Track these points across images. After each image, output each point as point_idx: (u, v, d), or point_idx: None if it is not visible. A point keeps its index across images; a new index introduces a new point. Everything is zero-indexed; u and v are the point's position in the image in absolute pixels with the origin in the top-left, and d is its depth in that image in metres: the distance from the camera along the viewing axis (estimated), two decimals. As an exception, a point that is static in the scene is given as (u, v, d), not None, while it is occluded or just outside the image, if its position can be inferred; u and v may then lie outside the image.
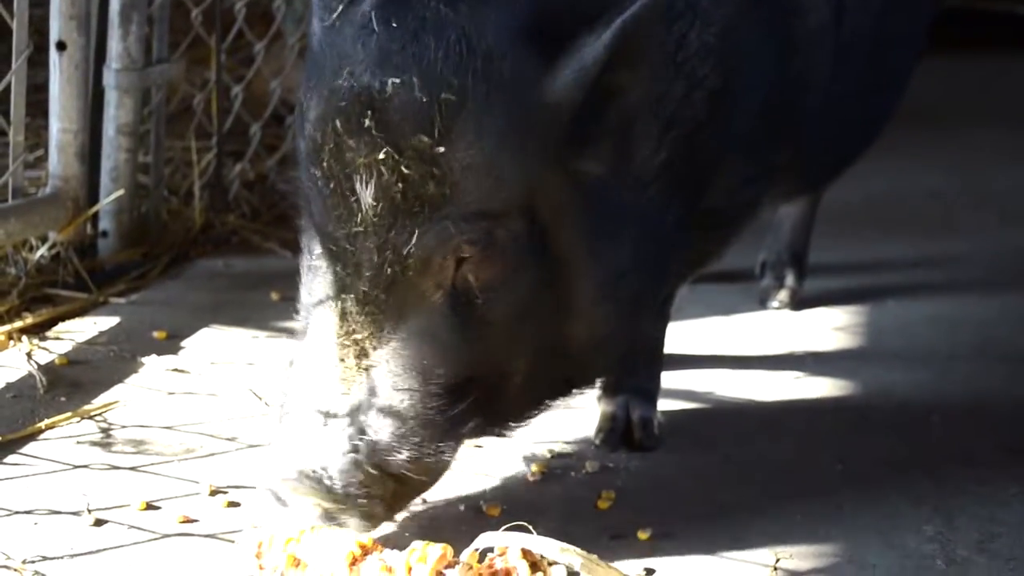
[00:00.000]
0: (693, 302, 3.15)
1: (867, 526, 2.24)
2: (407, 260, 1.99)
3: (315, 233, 2.09)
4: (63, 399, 2.61)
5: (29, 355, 2.78)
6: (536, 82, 2.00)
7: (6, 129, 3.03)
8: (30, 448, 2.41)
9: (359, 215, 1.99)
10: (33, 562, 2.04)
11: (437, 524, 2.18)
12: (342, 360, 2.04)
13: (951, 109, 5.29)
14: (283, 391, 2.11)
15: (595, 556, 1.96)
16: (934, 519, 2.27)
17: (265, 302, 3.19)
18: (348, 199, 2.00)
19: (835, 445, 2.55)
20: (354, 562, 1.93)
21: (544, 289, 2.07)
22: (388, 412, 2.02)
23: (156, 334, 2.95)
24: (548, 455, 2.45)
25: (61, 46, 3.14)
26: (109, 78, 3.29)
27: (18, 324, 2.91)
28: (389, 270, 2.00)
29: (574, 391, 2.25)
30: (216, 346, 2.91)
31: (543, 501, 2.30)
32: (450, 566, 1.91)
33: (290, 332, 2.58)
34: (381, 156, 1.96)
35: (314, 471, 2.01)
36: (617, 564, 2.01)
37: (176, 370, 2.78)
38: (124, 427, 2.52)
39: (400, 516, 2.14)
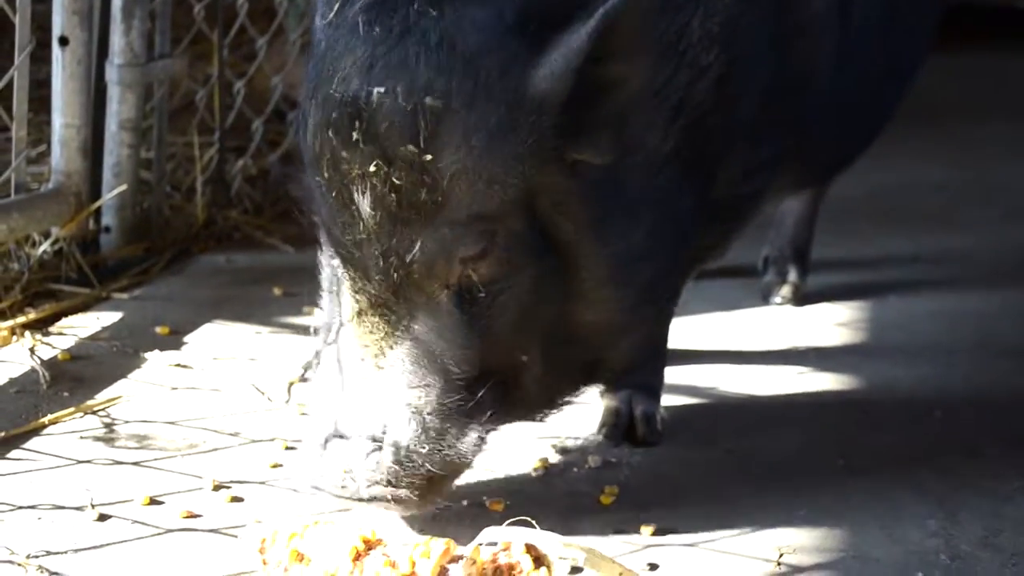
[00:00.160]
0: (696, 297, 3.14)
1: (870, 521, 2.24)
2: (411, 265, 2.00)
3: (326, 236, 2.10)
4: (66, 394, 2.61)
5: (32, 350, 2.78)
6: (522, 78, 1.98)
7: (9, 124, 3.03)
8: (33, 443, 2.41)
9: (360, 223, 2.00)
10: (37, 557, 2.05)
11: (440, 519, 2.18)
12: (362, 360, 2.05)
13: (954, 104, 5.28)
14: (289, 392, 2.13)
15: (599, 551, 1.95)
16: (937, 514, 2.27)
17: (267, 297, 3.19)
18: (349, 207, 2.00)
19: (838, 440, 2.55)
20: (357, 557, 1.93)
21: (552, 280, 2.08)
22: (406, 410, 2.04)
23: (159, 329, 2.95)
24: (551, 450, 2.45)
25: (64, 41, 3.14)
26: (111, 73, 3.29)
27: (21, 319, 2.92)
28: (395, 275, 2.01)
29: (600, 377, 2.26)
30: (219, 341, 2.91)
31: (546, 496, 2.30)
32: (453, 561, 1.91)
33: (293, 327, 2.60)
34: (372, 168, 1.96)
35: (341, 475, 2.03)
36: (620, 559, 2.01)
37: (179, 365, 2.78)
38: (127, 422, 2.52)
39: (429, 508, 2.14)
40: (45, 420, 2.49)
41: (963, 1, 5.74)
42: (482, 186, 1.98)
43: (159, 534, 2.14)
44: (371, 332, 2.05)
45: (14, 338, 2.85)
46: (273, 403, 2.60)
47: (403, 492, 2.04)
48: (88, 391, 2.63)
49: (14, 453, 2.38)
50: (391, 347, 2.04)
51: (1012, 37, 6.14)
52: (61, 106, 3.18)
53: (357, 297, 2.05)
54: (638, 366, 2.56)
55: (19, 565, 2.02)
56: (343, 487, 2.04)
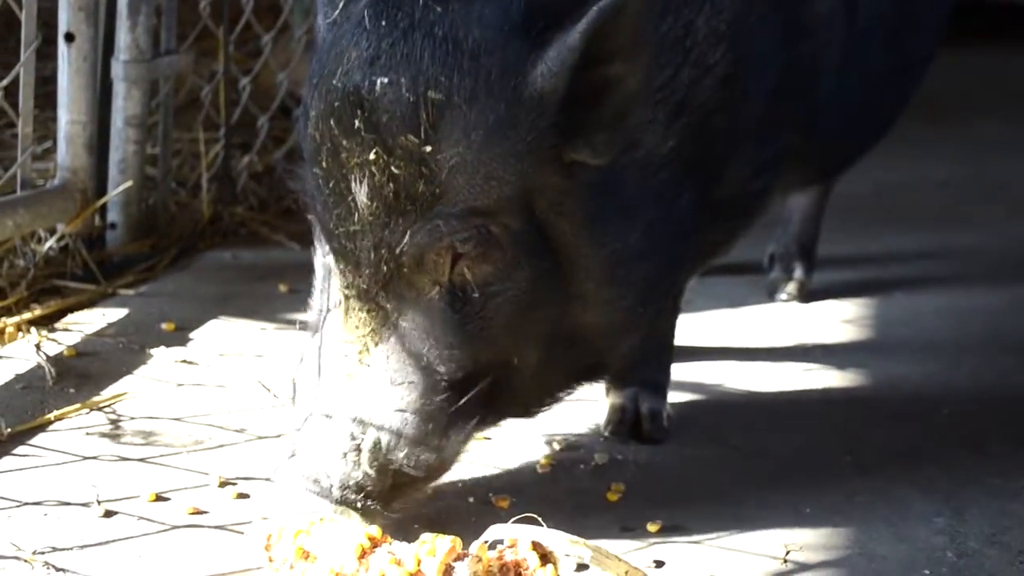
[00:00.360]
0: (702, 294, 3.15)
1: (877, 518, 2.24)
2: (401, 258, 2.00)
3: (321, 230, 2.10)
4: (72, 390, 2.61)
5: (38, 347, 2.78)
6: (522, 75, 1.99)
7: (15, 120, 3.03)
8: (39, 439, 2.41)
9: (356, 214, 2.00)
10: (43, 553, 2.04)
11: (446, 516, 2.18)
12: (346, 356, 2.05)
13: (960, 100, 5.28)
14: (294, 388, 2.13)
15: (605, 548, 1.95)
16: (944, 511, 2.27)
17: (273, 294, 3.19)
18: (345, 198, 2.01)
19: (845, 437, 2.55)
20: (363, 555, 1.92)
21: (548, 281, 2.07)
22: (389, 409, 2.03)
23: (164, 326, 2.95)
24: (557, 447, 2.45)
25: (69, 37, 3.14)
26: (117, 69, 3.29)
27: (27, 316, 2.91)
28: (385, 267, 2.01)
29: (596, 378, 2.26)
30: (224, 338, 2.91)
31: (552, 493, 2.29)
32: (459, 559, 1.90)
33: (298, 324, 2.59)
34: (372, 156, 1.97)
35: (316, 474, 2.02)
36: (627, 556, 2.01)
37: (185, 362, 2.78)
38: (133, 418, 2.52)
39: (405, 509, 2.13)
40: (51, 416, 2.49)
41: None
42: (479, 180, 1.99)
43: (165, 530, 2.14)
44: (357, 327, 2.04)
45: (20, 334, 2.85)
46: (279, 399, 2.60)
47: (378, 492, 2.03)
48: (94, 387, 2.63)
49: (20, 449, 2.37)
50: (376, 343, 2.04)
51: (1015, 34, 6.13)
52: (67, 102, 3.18)
53: (346, 292, 2.05)
54: (644, 363, 2.57)
55: (25, 561, 2.02)
56: (317, 486, 2.02)
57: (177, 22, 3.47)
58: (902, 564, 2.11)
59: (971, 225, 3.95)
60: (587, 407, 2.57)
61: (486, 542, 1.94)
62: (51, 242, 3.19)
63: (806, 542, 2.16)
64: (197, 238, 3.51)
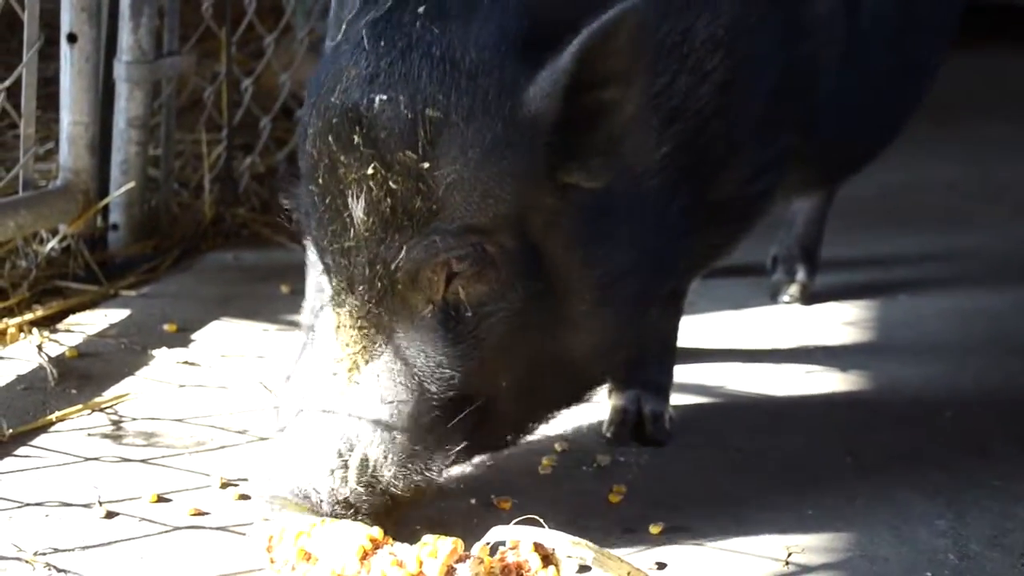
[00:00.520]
0: (704, 296, 3.15)
1: (879, 520, 2.24)
2: (396, 274, 2.00)
3: (315, 248, 2.10)
4: (74, 391, 2.61)
5: (40, 347, 2.78)
6: (517, 96, 2.00)
7: (17, 121, 3.03)
8: (41, 440, 2.41)
9: (351, 230, 2.01)
10: (45, 554, 2.04)
11: (448, 518, 2.18)
12: (335, 374, 2.04)
13: (964, 102, 5.28)
14: (279, 404, 2.11)
15: (607, 550, 1.95)
16: (946, 513, 2.27)
17: (275, 295, 3.19)
18: (341, 214, 2.02)
19: (847, 439, 2.55)
20: (365, 556, 1.92)
21: (538, 302, 2.07)
22: (378, 428, 2.01)
23: (166, 327, 2.95)
24: (559, 449, 2.45)
25: (72, 38, 3.14)
26: (120, 71, 3.29)
27: (28, 316, 2.91)
28: (379, 284, 2.01)
29: (581, 399, 2.25)
30: (226, 339, 2.91)
31: (554, 495, 2.29)
32: (461, 560, 1.90)
33: (300, 325, 2.58)
34: (370, 171, 1.98)
35: (303, 489, 2.00)
36: (629, 558, 2.01)
37: (186, 363, 2.78)
38: (135, 420, 2.52)
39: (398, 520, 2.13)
40: (53, 417, 2.49)
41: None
42: (476, 198, 1.99)
43: (167, 532, 2.14)
44: (348, 345, 2.04)
45: (22, 335, 2.85)
46: (275, 409, 2.59)
47: (367, 509, 2.01)
48: (96, 388, 2.63)
49: (22, 450, 2.37)
50: (367, 361, 2.03)
51: (1019, 35, 6.12)
52: (69, 103, 3.18)
53: (338, 310, 2.05)
54: (646, 364, 2.57)
55: (27, 562, 2.02)
56: (307, 501, 2.00)
57: (179, 23, 3.47)
58: (904, 566, 2.11)
59: (975, 227, 3.95)
60: (589, 409, 2.56)
61: (488, 543, 1.94)
62: (53, 243, 3.19)
63: (808, 544, 2.16)
64: (199, 239, 3.51)
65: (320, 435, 2.02)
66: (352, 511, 2.01)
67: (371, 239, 2.00)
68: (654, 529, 2.18)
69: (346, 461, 2.00)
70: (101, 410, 2.54)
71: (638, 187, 2.15)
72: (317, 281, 2.17)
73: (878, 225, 3.90)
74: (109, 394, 2.61)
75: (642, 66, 2.04)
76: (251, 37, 4.12)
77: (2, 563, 2.02)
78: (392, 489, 2.02)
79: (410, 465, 2.03)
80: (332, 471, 2.00)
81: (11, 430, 2.42)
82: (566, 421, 2.50)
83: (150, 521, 2.16)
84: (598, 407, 2.55)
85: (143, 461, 2.36)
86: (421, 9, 2.02)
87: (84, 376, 2.68)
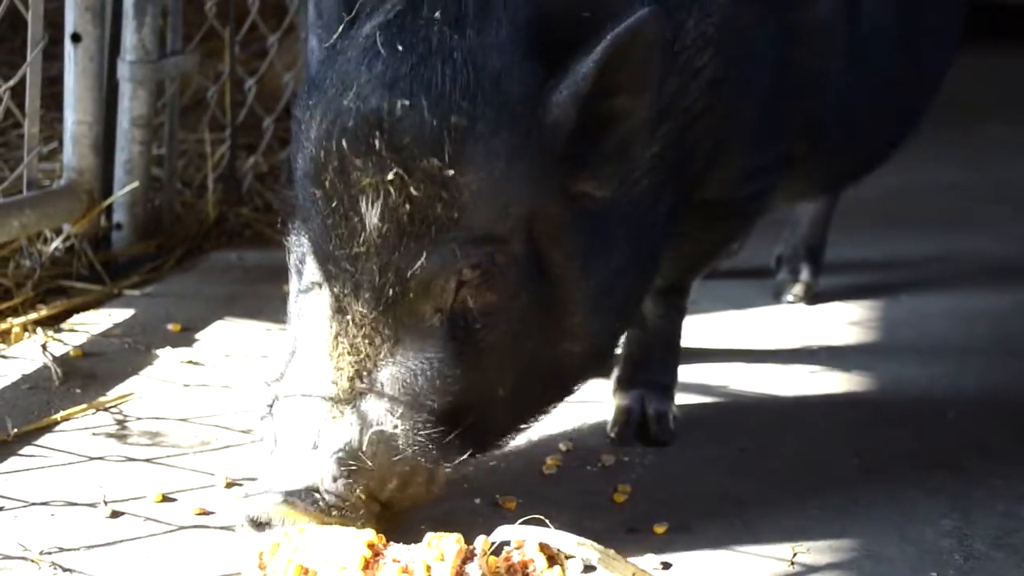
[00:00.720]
0: (708, 296, 3.14)
1: (884, 520, 2.24)
2: (409, 282, 1.99)
3: (312, 253, 2.06)
4: (78, 391, 2.61)
5: (44, 347, 2.79)
6: (537, 104, 2.00)
7: (21, 121, 3.03)
8: (46, 440, 2.41)
9: (362, 235, 1.99)
10: (50, 553, 2.04)
11: (452, 518, 2.17)
12: (335, 383, 2.01)
13: (966, 102, 5.27)
14: (271, 412, 2.08)
15: (612, 550, 1.95)
16: (951, 513, 2.27)
17: (278, 294, 3.17)
18: (351, 219, 1.99)
19: (851, 439, 2.55)
20: (367, 566, 1.88)
21: (538, 310, 2.07)
22: (381, 436, 1.99)
23: (170, 326, 2.95)
24: (563, 449, 2.45)
25: (76, 38, 3.14)
26: (123, 70, 3.29)
27: (33, 316, 2.92)
28: (390, 291, 1.99)
29: (568, 396, 2.24)
30: (230, 338, 2.91)
31: (559, 495, 2.29)
32: (468, 559, 1.89)
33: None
34: (390, 177, 1.96)
35: (307, 495, 1.97)
36: (633, 558, 2.01)
37: (190, 362, 2.78)
38: (139, 419, 2.52)
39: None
40: (57, 417, 2.49)
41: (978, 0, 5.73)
42: (496, 207, 1.99)
43: (171, 531, 2.14)
44: (350, 353, 2.01)
45: (26, 335, 2.85)
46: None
47: (365, 516, 1.99)
48: (100, 388, 2.63)
49: (26, 450, 2.38)
50: (370, 370, 2.00)
51: (1019, 35, 6.12)
52: (73, 103, 3.18)
53: (339, 316, 2.02)
54: (650, 364, 2.57)
55: (32, 561, 2.02)
56: (313, 506, 1.97)
57: (183, 23, 3.48)
58: (909, 566, 2.11)
59: (977, 228, 3.95)
60: (593, 408, 2.56)
61: (493, 543, 1.94)
62: (57, 242, 3.20)
63: (813, 544, 2.16)
64: (203, 239, 3.51)
65: (322, 444, 1.99)
66: (355, 515, 1.98)
67: (384, 245, 1.98)
68: (659, 529, 2.18)
69: (350, 469, 1.98)
70: (106, 409, 2.55)
71: (630, 190, 2.15)
72: (306, 284, 2.12)
73: (880, 226, 3.90)
74: (113, 393, 2.61)
75: (655, 74, 2.05)
76: (254, 37, 4.12)
77: (8, 562, 2.02)
78: (395, 495, 2.01)
79: (412, 472, 2.02)
80: (336, 479, 1.97)
81: (16, 429, 2.42)
82: (570, 421, 2.51)
83: (155, 520, 2.16)
84: (602, 407, 2.56)
85: (148, 461, 2.36)
86: (437, 14, 2.01)
87: (88, 376, 2.68)
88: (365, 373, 2.01)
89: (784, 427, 2.60)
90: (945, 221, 4.01)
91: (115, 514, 2.17)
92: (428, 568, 1.86)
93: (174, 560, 2.05)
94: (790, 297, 3.32)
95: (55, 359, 2.72)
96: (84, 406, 2.54)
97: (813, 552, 2.14)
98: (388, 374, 2.01)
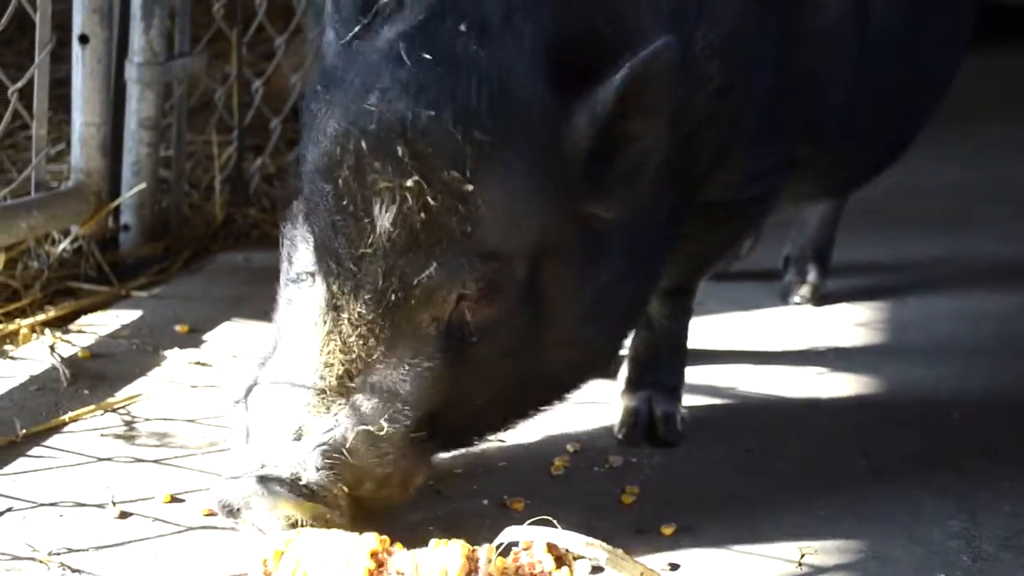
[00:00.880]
0: (715, 297, 3.14)
1: (891, 521, 2.24)
2: (412, 289, 1.99)
3: (314, 248, 2.06)
4: (86, 392, 2.62)
5: (52, 348, 2.79)
6: (557, 127, 2.02)
7: (29, 122, 3.03)
8: (54, 441, 2.42)
9: (370, 237, 1.99)
10: (59, 554, 2.05)
11: (460, 518, 2.18)
12: (323, 378, 2.01)
13: (969, 103, 5.26)
14: (246, 399, 2.07)
15: (620, 551, 1.95)
16: (958, 514, 2.27)
17: (286, 296, 3.18)
18: (361, 220, 1.99)
19: (858, 440, 2.55)
20: None
21: (534, 322, 2.07)
22: (367, 436, 1.99)
23: (178, 327, 2.95)
24: (571, 450, 2.45)
25: (84, 40, 3.15)
26: (131, 72, 3.30)
27: (41, 317, 2.92)
28: (392, 296, 1.99)
29: (560, 401, 2.24)
30: (238, 340, 2.92)
31: (566, 496, 2.29)
32: (473, 571, 1.88)
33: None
34: (409, 183, 1.96)
35: (283, 479, 1.96)
36: (641, 559, 2.01)
37: (198, 363, 2.79)
38: (147, 420, 2.52)
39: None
40: (66, 418, 2.49)
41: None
42: (509, 225, 2.00)
43: (180, 531, 2.14)
44: (341, 352, 2.00)
45: (34, 336, 2.85)
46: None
47: (348, 512, 1.99)
48: (108, 389, 2.64)
49: (35, 451, 2.38)
50: (360, 370, 2.00)
51: (1020, 36, 6.12)
52: (81, 104, 3.18)
53: (335, 314, 2.01)
54: (658, 366, 2.57)
55: (41, 562, 2.03)
56: (288, 492, 1.96)
57: (190, 24, 3.48)
58: (916, 567, 2.11)
59: (983, 228, 3.94)
60: (601, 409, 2.57)
61: (500, 544, 1.94)
62: (65, 244, 3.20)
63: (820, 545, 2.16)
64: (210, 240, 3.52)
65: (306, 436, 1.98)
66: (332, 509, 1.98)
67: (392, 250, 1.98)
68: (666, 530, 2.18)
69: (334, 462, 1.97)
70: (114, 410, 2.55)
71: (632, 203, 2.15)
72: (298, 275, 2.11)
73: (887, 227, 3.90)
74: (122, 395, 2.62)
75: (670, 99, 2.07)
76: (261, 38, 4.12)
77: (17, 563, 2.03)
78: (371, 495, 2.01)
79: (392, 474, 2.02)
80: (319, 469, 1.96)
81: (24, 430, 2.42)
82: (578, 422, 2.51)
83: (163, 521, 2.17)
84: (610, 408, 2.56)
85: (156, 461, 2.36)
86: (463, 27, 2.01)
87: (97, 377, 2.69)
88: (355, 372, 2.01)
89: (791, 428, 2.60)
90: (948, 221, 4.01)
91: (123, 515, 2.18)
92: None
93: (182, 561, 2.06)
94: (797, 298, 3.32)
95: (63, 360, 2.72)
96: (92, 407, 2.54)
97: (820, 553, 2.14)
98: (379, 376, 2.00)
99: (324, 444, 1.98)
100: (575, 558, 1.95)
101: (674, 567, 2.09)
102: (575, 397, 2.61)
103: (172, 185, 3.51)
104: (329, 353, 2.01)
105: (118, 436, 2.45)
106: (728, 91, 2.23)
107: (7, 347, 2.80)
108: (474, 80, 1.98)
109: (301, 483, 1.97)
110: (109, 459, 2.36)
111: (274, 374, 2.06)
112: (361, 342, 2.01)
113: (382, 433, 1.99)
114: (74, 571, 2.01)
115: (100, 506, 2.20)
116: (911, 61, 2.69)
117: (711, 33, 2.20)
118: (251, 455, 2.01)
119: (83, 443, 2.41)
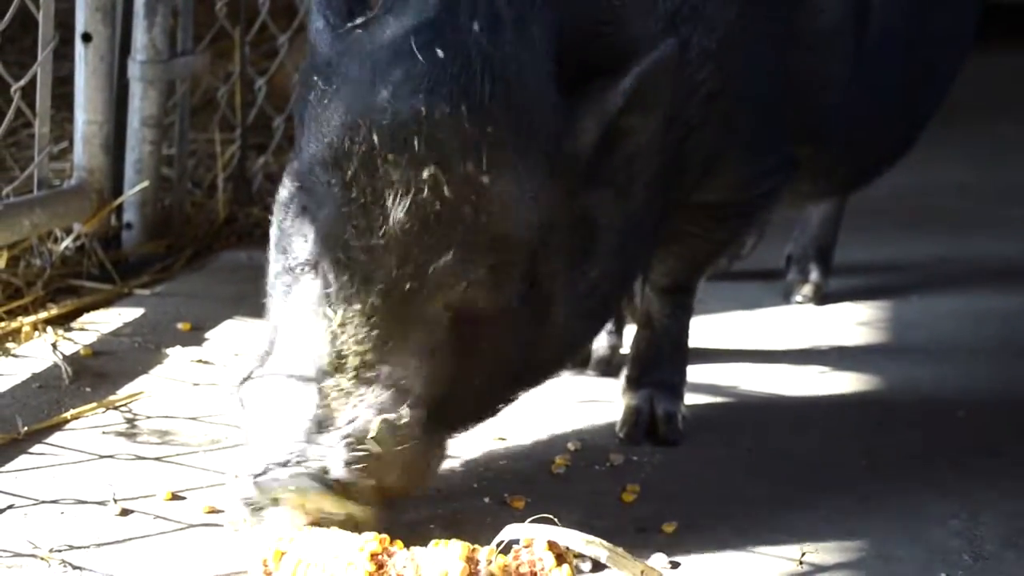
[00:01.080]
0: (716, 296, 3.14)
1: (893, 520, 2.24)
2: (426, 279, 2.00)
3: (318, 240, 2.05)
4: (88, 390, 2.62)
5: (54, 346, 2.79)
6: (563, 123, 2.05)
7: (32, 120, 3.04)
8: (56, 438, 2.42)
9: (383, 228, 1.99)
10: (60, 551, 2.05)
11: (461, 517, 2.18)
12: (337, 369, 2.01)
13: (974, 103, 5.26)
14: (261, 399, 2.06)
15: (621, 549, 1.95)
16: (960, 513, 2.27)
17: (289, 294, 3.18)
18: (372, 212, 1.99)
19: (860, 439, 2.55)
20: None
21: (528, 311, 2.09)
22: (388, 425, 1.98)
23: (180, 325, 2.95)
24: (572, 448, 2.45)
25: (87, 38, 3.15)
26: (134, 70, 3.30)
27: (43, 315, 2.92)
28: (405, 286, 1.99)
29: (531, 389, 2.25)
30: (240, 337, 2.92)
31: (568, 494, 2.29)
32: (474, 571, 1.88)
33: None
34: (425, 175, 1.97)
35: (313, 474, 1.95)
36: (642, 557, 2.01)
37: (200, 361, 2.79)
38: (149, 418, 2.52)
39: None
40: (67, 415, 2.49)
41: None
42: (520, 216, 2.02)
43: (181, 529, 2.14)
44: (356, 342, 2.00)
45: (36, 334, 2.86)
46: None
47: (369, 505, 1.99)
48: (110, 386, 2.64)
49: (37, 448, 2.38)
50: (375, 359, 2.00)
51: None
52: (84, 103, 3.19)
53: (343, 305, 2.01)
54: (659, 364, 2.57)
55: (42, 559, 2.03)
56: (321, 488, 1.95)
57: (193, 23, 3.48)
58: (918, 566, 2.11)
59: (985, 228, 3.94)
60: (602, 408, 2.57)
61: (501, 542, 1.94)
62: (67, 242, 3.20)
63: (822, 544, 2.16)
64: (212, 238, 3.52)
65: (329, 429, 1.98)
66: (362, 502, 1.98)
67: (406, 241, 1.98)
68: (667, 528, 2.18)
69: (361, 454, 1.98)
70: (116, 408, 2.55)
71: (624, 201, 2.17)
72: (295, 265, 2.09)
73: (889, 226, 3.89)
74: (123, 392, 2.62)
75: (668, 95, 2.11)
76: (265, 37, 4.13)
77: (18, 560, 2.03)
78: (396, 484, 2.01)
79: (415, 461, 2.02)
80: (348, 463, 1.96)
81: (26, 428, 2.42)
82: (579, 420, 2.51)
83: (165, 519, 2.16)
84: (611, 406, 2.56)
85: (158, 459, 2.36)
86: (476, 25, 2.02)
87: (99, 374, 2.69)
88: (370, 362, 2.01)
89: (793, 427, 2.60)
90: (955, 221, 4.01)
91: (125, 512, 2.18)
92: None
93: (184, 558, 2.06)
94: (800, 298, 3.32)
95: (65, 358, 2.73)
96: (94, 405, 2.54)
97: (822, 552, 2.14)
98: (394, 364, 2.01)
99: (349, 436, 1.98)
100: (576, 556, 1.95)
101: (675, 565, 2.09)
102: (577, 395, 2.64)
103: (175, 183, 3.51)
104: (342, 344, 2.02)
105: (120, 434, 2.46)
106: (719, 95, 2.25)
107: (9, 344, 2.80)
108: (487, 78, 2.00)
109: (329, 476, 1.96)
110: (111, 456, 2.36)
111: (283, 367, 2.06)
112: (375, 331, 2.01)
113: (402, 421, 1.99)
114: (75, 568, 2.01)
115: (101, 503, 2.20)
116: (914, 62, 2.69)
117: (706, 38, 2.22)
118: (270, 450, 1.99)
119: (85, 440, 2.41)
